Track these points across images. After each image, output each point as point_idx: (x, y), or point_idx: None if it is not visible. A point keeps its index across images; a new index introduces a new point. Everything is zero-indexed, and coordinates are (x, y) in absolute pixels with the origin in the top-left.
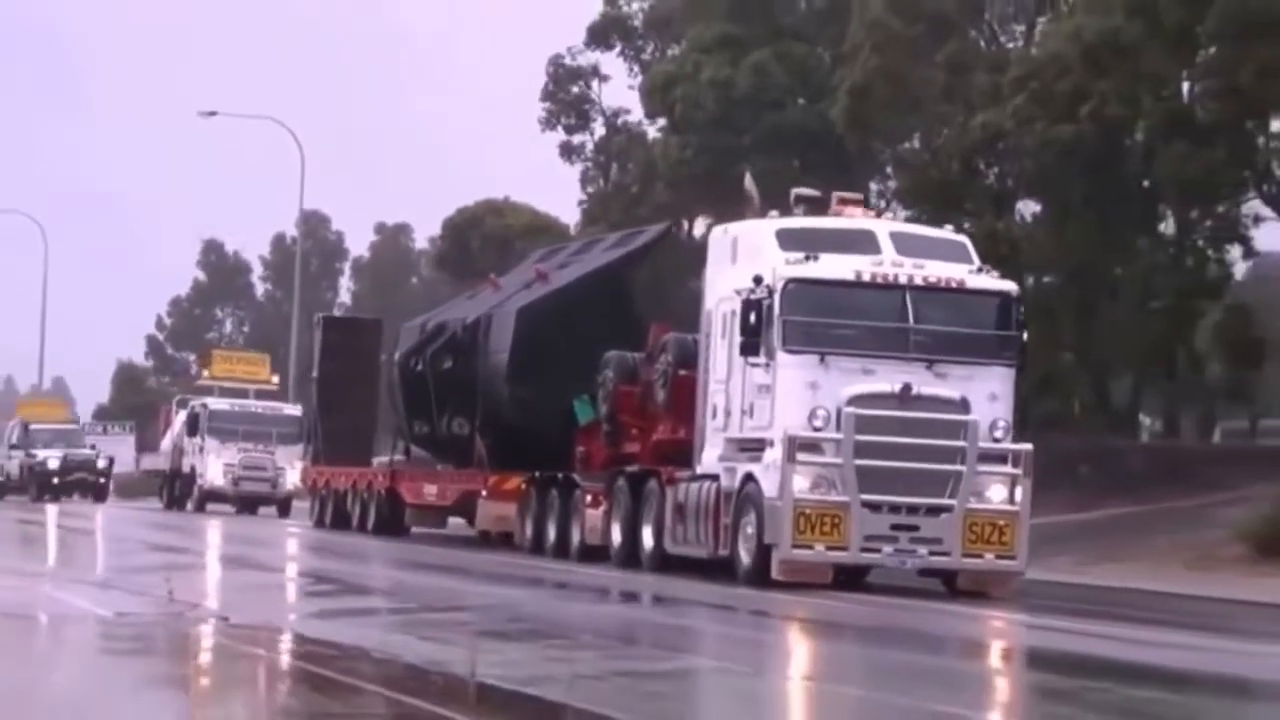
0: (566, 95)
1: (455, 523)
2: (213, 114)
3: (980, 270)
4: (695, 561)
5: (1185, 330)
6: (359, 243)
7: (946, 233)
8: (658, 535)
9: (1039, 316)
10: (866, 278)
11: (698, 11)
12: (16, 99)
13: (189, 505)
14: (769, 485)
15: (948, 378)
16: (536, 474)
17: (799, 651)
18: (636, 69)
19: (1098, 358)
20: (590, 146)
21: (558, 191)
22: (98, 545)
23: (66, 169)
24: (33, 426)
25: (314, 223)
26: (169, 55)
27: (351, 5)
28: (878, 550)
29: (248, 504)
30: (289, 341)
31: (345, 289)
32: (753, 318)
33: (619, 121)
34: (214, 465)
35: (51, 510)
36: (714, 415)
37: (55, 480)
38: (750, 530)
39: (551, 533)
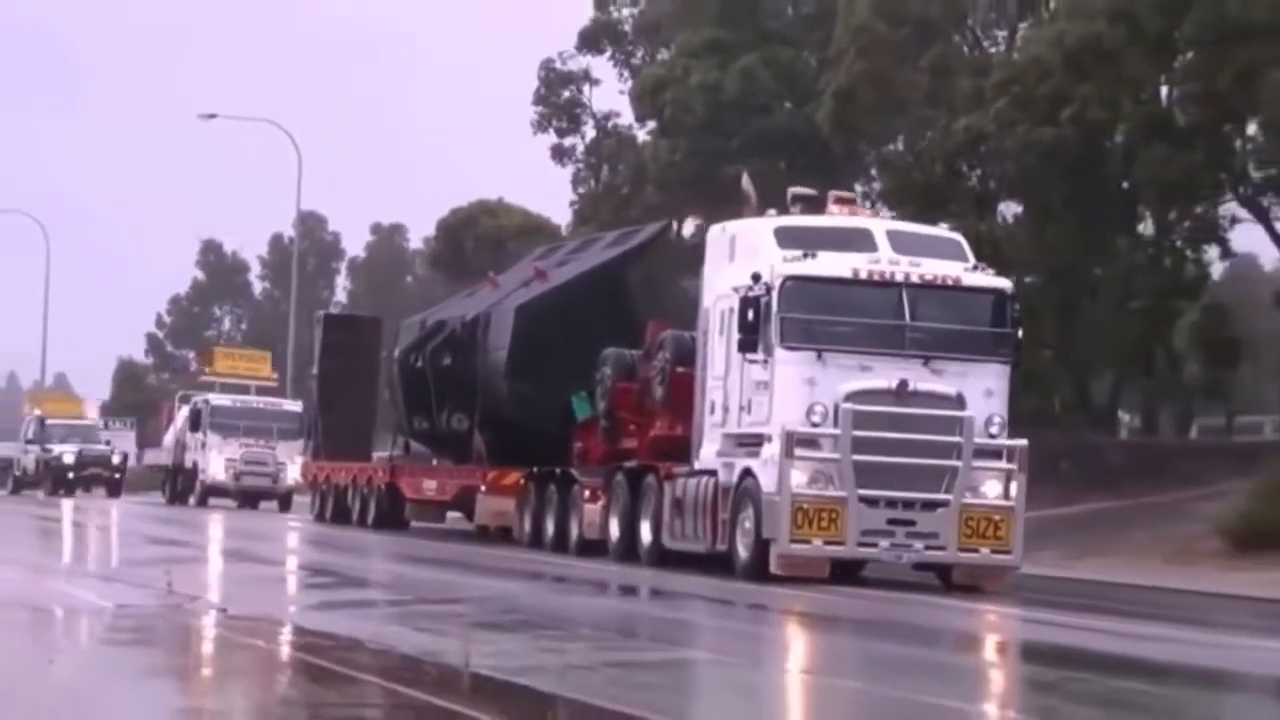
0: (558, 99)
1: (454, 517)
2: (212, 116)
3: (975, 268)
4: (693, 556)
5: (1164, 329)
6: (355, 243)
7: (942, 231)
8: (656, 530)
9: (1021, 316)
10: (864, 275)
11: (687, 17)
12: (17, 99)
13: (191, 500)
14: (767, 480)
15: (944, 374)
16: (535, 469)
17: (794, 644)
18: (627, 73)
19: (1078, 356)
20: (581, 149)
21: (550, 193)
22: (104, 539)
23: (67, 169)
24: (49, 421)
25: (311, 223)
26: (168, 57)
27: (348, 10)
28: (874, 545)
29: (249, 499)
30: (286, 339)
31: (341, 288)
32: (751, 315)
33: (609, 124)
34: (216, 460)
35: (66, 504)
36: (712, 411)
37: (70, 475)
38: (748, 525)
39: (550, 527)
